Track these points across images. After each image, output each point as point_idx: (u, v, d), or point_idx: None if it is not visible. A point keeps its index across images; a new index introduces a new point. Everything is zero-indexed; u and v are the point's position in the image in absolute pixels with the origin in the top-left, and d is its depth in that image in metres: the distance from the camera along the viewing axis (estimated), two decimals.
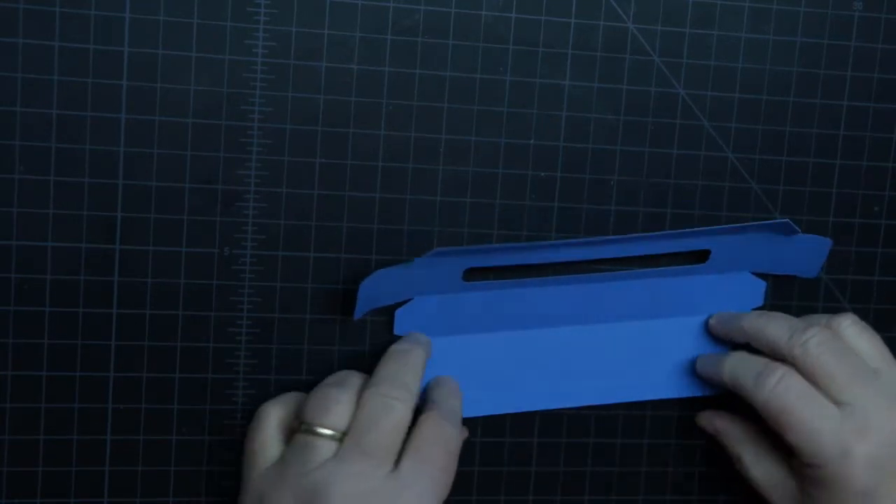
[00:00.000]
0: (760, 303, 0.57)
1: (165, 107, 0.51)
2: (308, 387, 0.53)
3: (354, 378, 0.50)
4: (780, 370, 0.51)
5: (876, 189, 0.57)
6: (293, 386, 0.53)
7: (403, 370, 0.50)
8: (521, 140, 0.54)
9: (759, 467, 0.54)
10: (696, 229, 0.54)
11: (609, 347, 0.55)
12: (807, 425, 0.50)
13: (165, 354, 0.52)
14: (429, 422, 0.49)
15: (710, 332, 0.56)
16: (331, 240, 0.53)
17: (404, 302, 0.53)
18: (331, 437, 0.48)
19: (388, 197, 0.53)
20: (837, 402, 0.50)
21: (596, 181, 0.54)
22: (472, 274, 0.53)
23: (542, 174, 0.54)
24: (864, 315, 0.56)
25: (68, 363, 0.52)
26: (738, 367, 0.53)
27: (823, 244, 0.56)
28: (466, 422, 0.54)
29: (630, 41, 0.54)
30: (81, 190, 0.51)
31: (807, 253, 0.56)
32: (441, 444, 0.49)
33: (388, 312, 0.53)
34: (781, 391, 0.50)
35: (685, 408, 0.57)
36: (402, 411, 0.48)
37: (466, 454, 0.55)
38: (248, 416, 0.53)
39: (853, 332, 0.52)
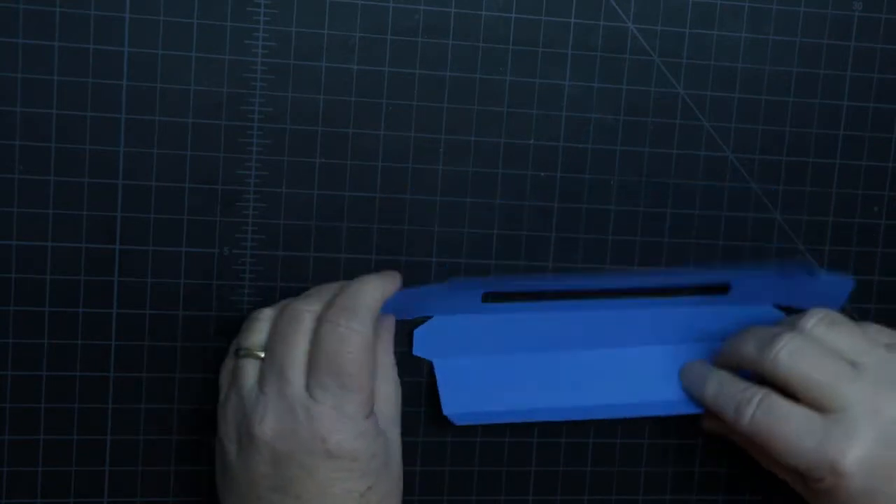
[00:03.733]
0: None
1: (165, 107, 0.51)
2: None
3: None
4: (757, 396, 0.50)
5: (876, 189, 0.57)
6: None
7: (317, 296, 0.50)
8: (521, 140, 0.54)
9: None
10: (716, 268, 0.54)
11: (627, 371, 0.55)
12: (793, 446, 0.49)
13: (165, 354, 0.52)
14: (325, 335, 0.48)
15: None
16: (331, 240, 0.53)
17: (423, 320, 0.53)
18: (255, 357, 0.49)
19: (388, 197, 0.53)
20: (822, 410, 0.49)
21: (596, 181, 0.54)
22: (490, 296, 0.54)
23: (542, 174, 0.54)
24: (864, 315, 0.56)
25: (68, 363, 0.52)
26: (718, 396, 0.52)
27: (845, 285, 0.55)
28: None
29: (630, 41, 0.54)
30: (81, 190, 0.51)
31: (828, 294, 0.55)
32: (341, 353, 0.47)
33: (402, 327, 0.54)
34: (761, 418, 0.50)
35: None
36: (304, 335, 0.48)
37: (466, 454, 0.55)
38: None
39: (822, 330, 0.50)
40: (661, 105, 0.54)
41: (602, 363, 0.55)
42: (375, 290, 0.49)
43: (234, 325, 0.52)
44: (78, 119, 0.50)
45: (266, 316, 0.50)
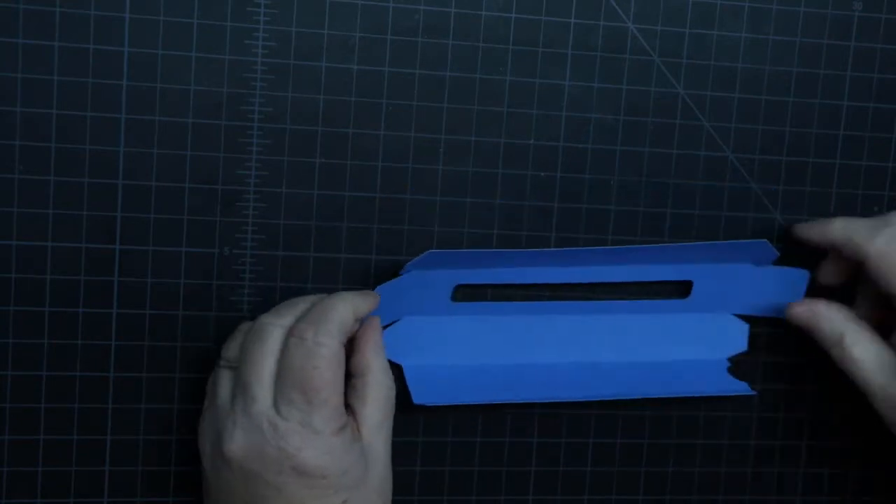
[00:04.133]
0: (745, 347, 0.57)
1: (165, 107, 0.51)
2: None
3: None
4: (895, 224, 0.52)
5: (876, 189, 0.57)
6: None
7: (287, 310, 0.50)
8: (521, 140, 0.54)
9: (861, 346, 0.53)
10: (681, 245, 0.54)
11: (592, 377, 0.55)
12: None
13: (165, 354, 0.52)
14: (292, 350, 0.48)
15: (796, 235, 0.55)
16: (331, 240, 0.53)
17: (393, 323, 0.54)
18: (229, 367, 0.49)
19: (388, 197, 0.53)
20: None
21: (596, 181, 0.55)
22: (461, 292, 0.54)
23: (542, 174, 0.54)
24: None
25: (68, 363, 0.52)
26: (849, 224, 0.53)
27: (802, 276, 0.56)
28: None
29: (630, 41, 0.54)
30: (81, 190, 0.51)
31: (787, 286, 0.56)
32: (307, 368, 0.47)
33: None
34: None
35: (685, 408, 0.57)
36: (270, 351, 0.48)
37: (466, 454, 0.55)
38: None
39: None
40: (661, 105, 0.55)
41: (570, 370, 0.55)
42: (347, 306, 0.49)
43: (233, 326, 0.52)
44: (78, 119, 0.50)
45: (246, 328, 0.50)
